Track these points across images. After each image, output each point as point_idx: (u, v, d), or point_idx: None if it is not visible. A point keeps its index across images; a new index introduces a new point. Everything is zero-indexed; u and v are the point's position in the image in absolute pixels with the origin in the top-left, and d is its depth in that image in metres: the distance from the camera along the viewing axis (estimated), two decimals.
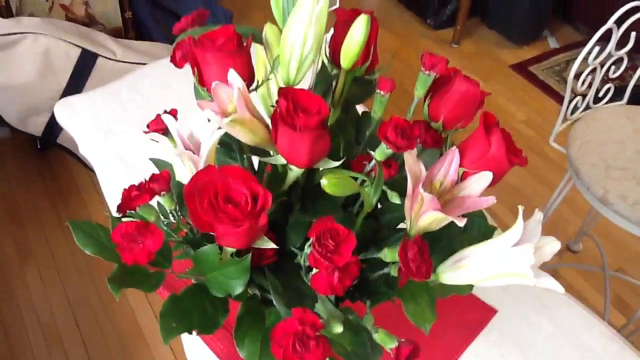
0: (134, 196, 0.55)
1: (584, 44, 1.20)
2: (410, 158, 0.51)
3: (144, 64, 1.41)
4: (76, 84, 1.51)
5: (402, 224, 0.59)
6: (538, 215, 0.56)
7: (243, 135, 0.50)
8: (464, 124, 0.60)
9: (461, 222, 0.48)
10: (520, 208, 0.55)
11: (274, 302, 0.52)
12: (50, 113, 1.61)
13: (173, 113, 0.57)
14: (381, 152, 0.52)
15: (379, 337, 0.53)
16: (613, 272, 1.59)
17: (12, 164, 1.90)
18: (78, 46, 1.48)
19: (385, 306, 0.63)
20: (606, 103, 1.35)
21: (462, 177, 0.54)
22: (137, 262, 0.50)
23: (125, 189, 0.57)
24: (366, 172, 0.54)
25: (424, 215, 0.51)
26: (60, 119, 1.23)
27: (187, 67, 0.57)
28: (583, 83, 1.25)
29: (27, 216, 1.78)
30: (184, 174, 0.54)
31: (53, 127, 1.65)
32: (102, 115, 1.23)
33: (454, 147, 0.54)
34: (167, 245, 0.56)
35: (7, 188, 1.85)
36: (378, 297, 0.59)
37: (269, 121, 0.51)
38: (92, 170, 1.80)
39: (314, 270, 0.49)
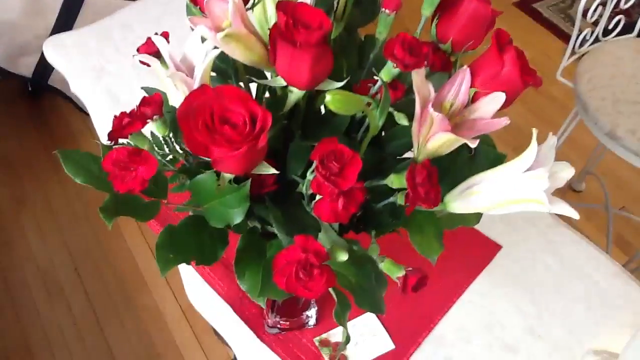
0: (125, 123, 0.52)
1: None
2: (418, 77, 0.48)
3: (134, 0, 1.35)
4: (66, 21, 1.45)
5: (409, 153, 0.56)
6: (552, 140, 0.53)
7: (239, 54, 0.46)
8: (474, 45, 0.57)
9: (473, 143, 0.45)
10: (535, 131, 0.52)
11: (276, 231, 0.50)
12: (40, 53, 1.56)
13: (165, 35, 0.53)
14: (387, 72, 0.49)
15: (385, 266, 0.51)
16: (616, 210, 1.58)
17: (3, 111, 1.86)
18: None
19: (389, 241, 0.61)
20: (615, 36, 1.30)
21: (473, 99, 0.51)
22: (130, 190, 0.47)
23: (116, 116, 0.54)
24: (371, 95, 0.51)
25: (433, 138, 0.48)
26: (50, 58, 1.18)
27: (179, 2, 0.53)
28: (593, 14, 1.20)
29: (21, 165, 1.75)
30: (177, 98, 0.51)
31: (44, 68, 1.60)
32: (93, 54, 1.18)
33: (465, 66, 0.50)
34: (162, 175, 0.53)
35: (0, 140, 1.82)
36: (383, 228, 0.57)
37: (267, 40, 0.47)
38: (85, 113, 1.76)
39: (317, 197, 0.47)
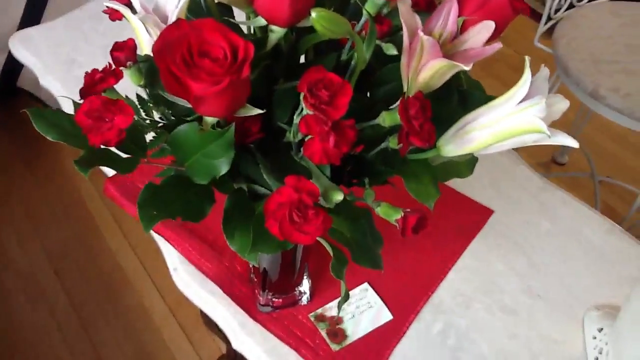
0: (97, 79, 0.49)
1: None
2: (404, 7, 0.46)
3: None
4: (32, 17, 1.40)
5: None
6: (545, 71, 0.51)
7: None
8: None
9: (468, 66, 0.43)
10: (527, 59, 0.50)
11: (264, 176, 0.47)
12: (6, 54, 1.51)
13: None
14: (372, 4, 0.46)
15: (382, 210, 0.48)
16: (602, 177, 1.58)
17: None
18: None
19: (381, 196, 0.59)
20: (589, 1, 1.30)
21: (462, 30, 0.49)
22: (106, 142, 0.44)
23: (87, 73, 0.50)
24: (357, 32, 0.48)
25: (425, 68, 0.45)
26: (18, 54, 1.14)
27: None
28: None
29: None
30: (150, 45, 0.48)
31: (10, 69, 1.55)
32: (63, 46, 1.14)
33: None
34: (140, 132, 0.50)
35: None
36: (377, 177, 0.54)
37: None
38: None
39: (307, 138, 0.44)
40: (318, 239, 0.55)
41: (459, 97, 0.59)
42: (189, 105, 0.45)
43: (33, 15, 1.43)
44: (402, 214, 0.46)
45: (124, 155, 0.47)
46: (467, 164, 0.63)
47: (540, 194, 0.95)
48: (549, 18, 1.25)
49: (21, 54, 1.14)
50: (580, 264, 0.86)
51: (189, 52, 0.40)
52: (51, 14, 1.41)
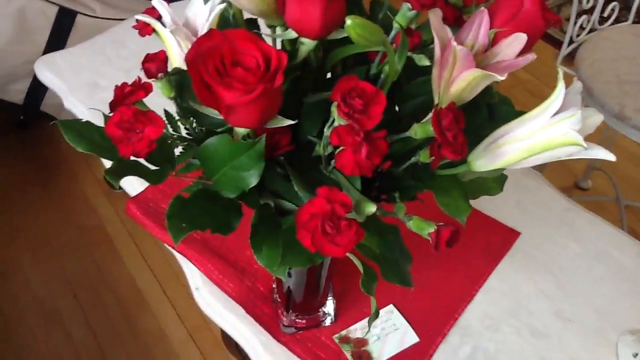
0: (127, 92, 0.49)
1: None
2: (435, 19, 0.45)
3: (125, 19, 1.34)
4: (56, 44, 1.43)
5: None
6: (578, 84, 0.50)
7: (247, 1, 0.44)
8: None
9: (503, 76, 0.42)
10: (560, 70, 0.50)
11: (295, 187, 0.46)
12: (31, 78, 1.53)
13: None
14: (403, 16, 0.46)
15: (414, 223, 0.47)
16: (628, 202, 1.55)
17: None
18: (55, 3, 1.39)
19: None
20: (611, 24, 1.30)
21: (493, 42, 0.49)
22: (136, 153, 0.44)
23: (117, 86, 0.51)
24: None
25: (457, 79, 0.45)
26: (42, 77, 1.16)
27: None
28: (588, 1, 1.20)
29: (14, 194, 1.71)
30: (181, 59, 0.48)
31: (35, 93, 1.57)
32: (86, 70, 1.16)
33: (482, 7, 0.48)
34: (168, 144, 0.50)
35: None
36: (406, 192, 0.53)
37: None
38: None
39: (338, 150, 0.43)
40: (347, 254, 0.54)
41: (488, 112, 0.58)
42: (220, 117, 0.45)
43: (57, 41, 1.46)
44: (436, 227, 0.45)
45: (153, 168, 0.47)
46: (496, 181, 0.63)
47: (566, 215, 0.93)
48: (571, 41, 1.25)
49: (46, 77, 1.15)
50: (611, 287, 0.84)
51: (221, 62, 0.40)
52: (75, 40, 1.44)
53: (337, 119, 0.43)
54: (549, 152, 0.48)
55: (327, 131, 0.46)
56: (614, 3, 1.27)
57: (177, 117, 0.53)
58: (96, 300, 1.47)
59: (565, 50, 1.26)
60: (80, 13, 1.43)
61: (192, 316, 1.43)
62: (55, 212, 1.66)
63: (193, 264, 0.83)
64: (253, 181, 0.46)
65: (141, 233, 1.61)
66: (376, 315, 0.51)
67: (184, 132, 0.55)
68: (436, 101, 0.48)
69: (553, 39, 2.22)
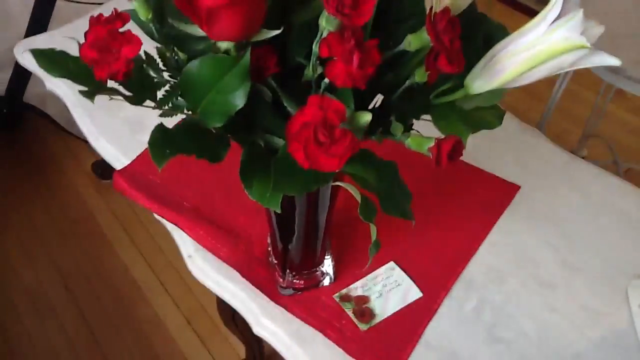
0: (102, 21, 0.46)
1: None
2: None
3: (104, 3, 1.30)
4: (37, 30, 1.40)
5: None
6: None
7: None
8: None
9: None
10: None
11: (285, 102, 0.43)
12: (12, 67, 1.50)
13: None
14: None
15: (412, 140, 0.44)
16: (627, 164, 1.53)
17: None
18: None
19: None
20: None
21: None
22: (113, 74, 0.41)
23: (92, 16, 0.48)
24: None
25: None
26: (23, 60, 1.12)
27: None
28: None
29: (2, 192, 1.67)
30: None
31: (17, 82, 1.54)
32: (67, 51, 1.12)
33: None
34: (149, 76, 0.47)
35: None
36: (403, 119, 0.51)
37: None
38: (64, 131, 1.69)
39: (330, 61, 0.41)
40: (344, 185, 0.52)
41: (484, 40, 0.55)
42: (202, 33, 0.43)
43: (38, 27, 1.43)
44: (435, 141, 0.43)
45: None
46: (495, 114, 0.60)
47: (567, 167, 0.90)
48: None
49: (26, 60, 1.12)
50: (617, 235, 0.81)
51: None
52: (56, 26, 1.41)
53: (327, 25, 0.41)
54: (551, 61, 0.46)
55: (315, 47, 0.44)
56: None
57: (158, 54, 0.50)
58: (89, 291, 1.44)
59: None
60: None
61: (188, 301, 1.40)
62: (44, 206, 1.63)
63: (185, 231, 0.80)
64: (240, 101, 0.43)
65: (133, 223, 1.58)
66: (377, 245, 0.48)
67: (167, 76, 0.52)
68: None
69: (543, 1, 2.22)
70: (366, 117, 0.41)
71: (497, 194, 0.86)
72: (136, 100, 0.42)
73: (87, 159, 1.72)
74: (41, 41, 1.17)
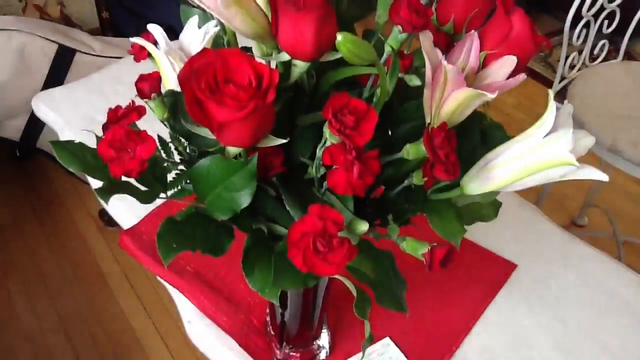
0: (120, 114, 0.49)
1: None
2: (426, 41, 0.46)
3: (123, 57, 1.36)
4: (54, 81, 1.44)
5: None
6: (569, 107, 0.51)
7: (240, 22, 0.44)
8: (476, 24, 0.56)
9: (493, 94, 0.42)
10: (551, 92, 0.50)
11: (287, 206, 0.46)
12: (28, 115, 1.54)
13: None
14: (394, 39, 0.47)
15: (407, 244, 0.47)
16: (625, 237, 1.54)
17: None
18: (54, 42, 1.42)
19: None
20: (602, 62, 1.32)
21: (484, 65, 0.49)
22: (127, 172, 0.44)
23: (111, 109, 0.51)
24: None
25: (449, 99, 0.45)
26: (39, 111, 1.17)
27: None
28: (578, 38, 1.22)
29: (9, 229, 1.70)
30: (175, 81, 0.48)
31: (32, 130, 1.58)
32: (83, 106, 1.17)
33: (473, 30, 0.49)
34: (160, 166, 0.50)
35: None
36: (400, 216, 0.53)
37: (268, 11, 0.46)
38: (73, 176, 1.72)
39: (331, 169, 0.43)
40: (340, 278, 0.53)
41: (481, 137, 0.58)
42: (212, 138, 0.45)
43: (56, 78, 1.48)
44: (429, 248, 0.45)
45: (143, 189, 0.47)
46: (491, 207, 0.62)
47: (564, 247, 0.92)
48: (562, 78, 1.27)
49: (43, 111, 1.16)
50: (612, 320, 0.82)
51: (214, 79, 0.40)
52: (74, 77, 1.46)
53: (330, 138, 0.43)
54: (542, 173, 0.48)
55: (319, 152, 0.46)
56: (603, 41, 1.29)
57: (169, 141, 0.53)
58: (88, 337, 1.44)
59: (557, 86, 1.27)
60: (79, 51, 1.46)
61: (186, 357, 1.40)
62: (49, 247, 1.65)
63: (186, 296, 0.82)
64: (245, 201, 0.46)
65: (135, 271, 1.59)
66: (370, 339, 0.50)
67: (177, 158, 0.55)
68: (429, 121, 0.48)
69: (545, 79, 2.26)
70: (363, 227, 0.43)
71: (494, 272, 0.88)
72: (148, 197, 0.45)
73: (95, 204, 1.74)
74: (58, 94, 1.21)
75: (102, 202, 0.99)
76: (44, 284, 1.55)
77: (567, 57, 1.24)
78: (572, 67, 1.27)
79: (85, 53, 1.46)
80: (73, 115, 1.14)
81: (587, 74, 1.22)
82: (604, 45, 1.31)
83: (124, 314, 1.49)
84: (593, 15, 1.20)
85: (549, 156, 0.47)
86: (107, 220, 1.69)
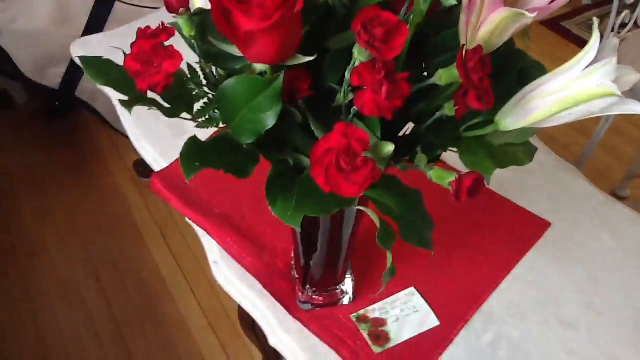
0: (149, 34, 0.49)
1: None
2: None
3: (161, 7, 1.35)
4: (94, 29, 1.46)
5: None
6: (614, 41, 0.48)
7: None
8: None
9: (532, 14, 0.40)
10: (596, 20, 0.48)
11: (313, 127, 0.45)
12: (67, 63, 1.57)
13: None
14: None
15: (434, 173, 0.45)
16: None
17: (30, 131, 1.88)
18: None
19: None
20: None
21: None
22: (153, 86, 0.43)
23: (140, 28, 0.50)
24: None
25: (485, 22, 0.43)
26: (77, 58, 1.18)
27: None
28: None
29: (47, 179, 1.75)
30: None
31: (71, 78, 1.61)
32: (120, 54, 1.17)
33: None
34: (188, 90, 0.49)
35: (27, 154, 1.82)
36: (430, 151, 0.51)
37: None
38: (112, 128, 1.75)
39: (359, 90, 0.42)
40: (364, 209, 0.52)
41: (520, 76, 0.56)
42: (239, 54, 0.44)
43: (96, 26, 1.49)
44: (457, 176, 0.43)
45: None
46: (526, 150, 0.60)
47: (601, 209, 0.89)
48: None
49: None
50: None
51: None
52: (113, 26, 1.47)
53: (359, 56, 0.42)
54: (582, 106, 0.46)
55: (347, 74, 0.45)
56: None
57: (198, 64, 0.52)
58: (119, 284, 1.48)
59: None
60: (119, 0, 1.46)
61: (212, 305, 1.42)
62: (85, 197, 1.69)
63: (213, 238, 0.83)
64: (270, 122, 0.45)
65: (168, 222, 1.62)
66: (392, 271, 0.49)
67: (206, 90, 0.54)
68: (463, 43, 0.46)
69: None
70: (389, 148, 0.42)
71: (527, 229, 0.86)
72: (172, 112, 0.45)
73: (130, 156, 1.77)
74: (96, 41, 1.22)
75: (135, 146, 1.00)
76: (79, 231, 1.60)
77: (617, 17, 1.18)
78: (622, 26, 1.20)
79: (124, 2, 1.47)
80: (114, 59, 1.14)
81: (638, 34, 1.16)
82: None
83: (154, 263, 1.52)
84: None
85: (590, 87, 0.44)
86: (142, 171, 1.71)
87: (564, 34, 2.26)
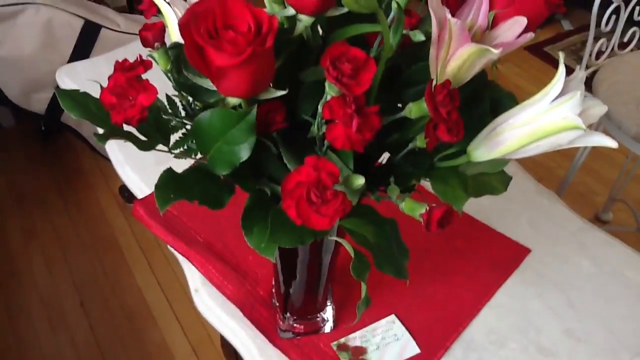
0: (126, 67, 0.49)
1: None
2: None
3: None
4: (80, 56, 1.47)
5: None
6: (581, 73, 0.49)
7: None
8: None
9: (497, 50, 0.41)
10: (561, 54, 0.49)
11: (285, 160, 0.45)
12: (54, 88, 1.57)
13: None
14: None
15: (406, 205, 0.46)
16: None
17: (18, 152, 1.88)
18: (81, 17, 1.44)
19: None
20: (631, 50, 1.28)
21: (493, 25, 0.48)
22: (128, 120, 0.44)
23: (117, 61, 0.51)
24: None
25: (454, 56, 0.44)
26: (62, 84, 1.19)
27: None
28: (607, 23, 1.19)
29: (33, 202, 1.74)
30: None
31: (56, 103, 1.61)
32: (105, 78, 1.18)
33: None
34: (164, 121, 0.50)
35: (14, 176, 1.82)
36: (404, 180, 0.52)
37: None
38: (97, 152, 1.75)
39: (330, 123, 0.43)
40: (338, 239, 0.53)
41: (492, 106, 0.57)
42: (214, 88, 0.45)
43: (82, 52, 1.50)
44: (427, 208, 0.44)
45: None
46: (500, 179, 0.61)
47: (580, 234, 0.90)
48: (587, 66, 1.24)
49: (66, 84, 1.18)
50: (624, 308, 0.80)
51: (213, 24, 0.40)
52: (99, 53, 1.48)
53: (330, 91, 0.43)
54: (549, 138, 0.47)
55: (320, 108, 0.46)
56: (634, 28, 1.26)
57: (175, 95, 0.53)
58: (102, 308, 1.47)
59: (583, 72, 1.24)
60: (105, 27, 1.48)
61: (196, 330, 1.41)
62: (71, 220, 1.68)
63: (194, 265, 0.83)
64: (244, 155, 0.45)
65: (152, 247, 1.61)
66: (366, 301, 0.49)
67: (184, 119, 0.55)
68: (434, 79, 0.47)
69: (568, 68, 2.22)
70: (359, 181, 0.42)
71: (507, 255, 0.86)
72: (148, 145, 0.45)
73: (116, 182, 1.77)
74: (81, 67, 1.23)
75: (119, 173, 1.00)
76: (63, 253, 1.59)
77: (594, 43, 1.21)
78: (599, 55, 1.23)
79: (110, 29, 1.48)
80: (94, 88, 1.15)
81: (615, 61, 1.18)
82: (634, 32, 1.27)
83: (138, 288, 1.51)
84: (623, 1, 1.16)
85: (557, 120, 0.46)
86: (127, 196, 1.71)
87: (546, 59, 2.30)
